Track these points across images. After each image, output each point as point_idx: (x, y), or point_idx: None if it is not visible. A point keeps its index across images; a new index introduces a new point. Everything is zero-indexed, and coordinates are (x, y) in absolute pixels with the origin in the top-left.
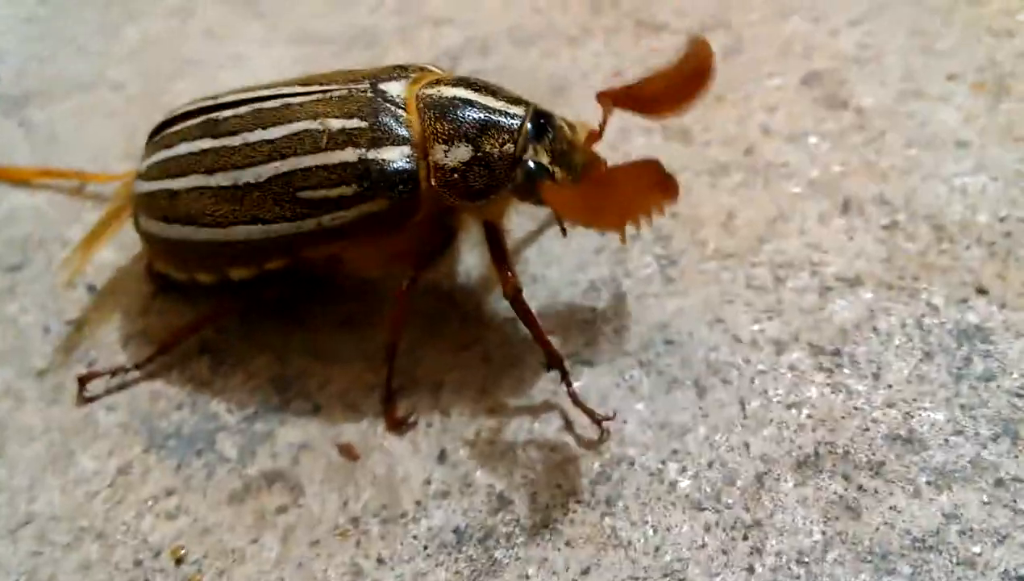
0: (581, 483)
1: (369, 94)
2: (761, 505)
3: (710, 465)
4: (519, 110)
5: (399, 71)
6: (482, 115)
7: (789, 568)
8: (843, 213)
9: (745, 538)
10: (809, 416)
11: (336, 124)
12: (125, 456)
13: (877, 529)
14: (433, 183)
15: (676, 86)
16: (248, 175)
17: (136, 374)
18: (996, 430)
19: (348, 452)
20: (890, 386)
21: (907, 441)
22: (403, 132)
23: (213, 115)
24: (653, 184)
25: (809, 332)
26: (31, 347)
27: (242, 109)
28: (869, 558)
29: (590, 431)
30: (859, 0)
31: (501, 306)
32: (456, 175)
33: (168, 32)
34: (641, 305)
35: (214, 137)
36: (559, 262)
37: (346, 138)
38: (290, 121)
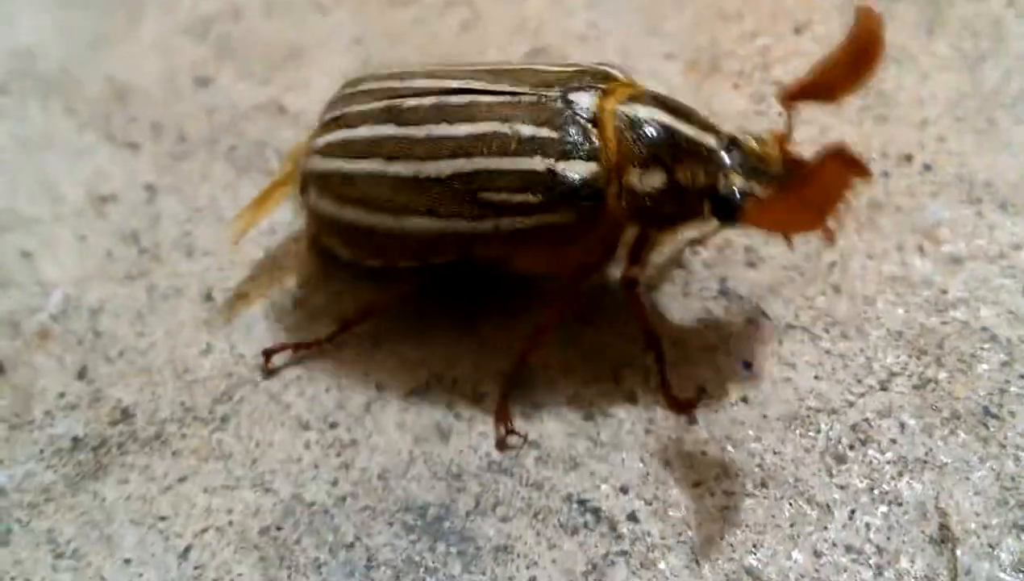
0: (203, 402)
1: (559, 105)
2: (362, 427)
3: (328, 391)
4: (712, 140)
5: (587, 78)
6: (678, 142)
7: (370, 482)
8: None
9: (339, 455)
10: None
11: (526, 131)
12: None
13: (461, 452)
14: (624, 205)
15: (850, 64)
16: (429, 169)
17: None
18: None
19: None
20: None
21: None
22: (594, 148)
23: (397, 101)
24: (846, 170)
25: None
26: None
27: (427, 100)
28: (443, 476)
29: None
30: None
31: None
32: (648, 201)
33: None
34: None
35: (398, 125)
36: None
37: (535, 146)
38: (477, 120)
